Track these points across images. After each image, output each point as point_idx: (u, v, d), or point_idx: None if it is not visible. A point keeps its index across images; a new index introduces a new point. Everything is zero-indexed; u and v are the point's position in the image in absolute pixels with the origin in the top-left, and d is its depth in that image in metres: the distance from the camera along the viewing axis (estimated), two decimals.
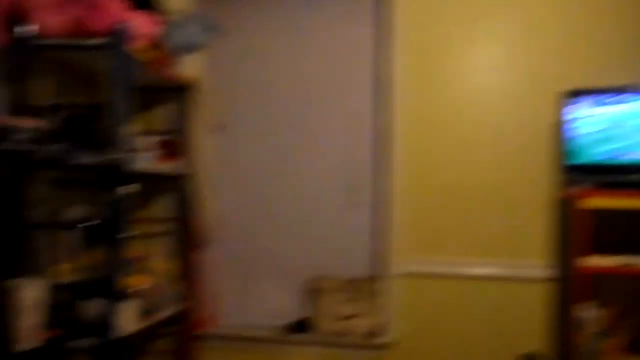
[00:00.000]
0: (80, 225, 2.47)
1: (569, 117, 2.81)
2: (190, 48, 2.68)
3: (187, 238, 3.33)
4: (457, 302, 3.20)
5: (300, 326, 3.35)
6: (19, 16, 2.16)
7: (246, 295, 3.47)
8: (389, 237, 3.23)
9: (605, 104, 2.77)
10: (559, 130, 3.05)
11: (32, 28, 2.19)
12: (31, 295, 1.78)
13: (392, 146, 3.23)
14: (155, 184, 3.37)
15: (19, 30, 2.17)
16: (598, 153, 2.77)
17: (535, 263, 3.12)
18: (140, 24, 2.47)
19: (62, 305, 2.48)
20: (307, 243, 3.41)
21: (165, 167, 3.08)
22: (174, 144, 3.09)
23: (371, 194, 3.36)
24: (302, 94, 3.42)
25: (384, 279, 3.27)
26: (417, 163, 3.22)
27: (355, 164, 3.37)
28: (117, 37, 2.26)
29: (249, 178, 3.48)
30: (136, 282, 2.74)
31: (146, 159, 2.81)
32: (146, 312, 2.73)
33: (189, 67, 3.16)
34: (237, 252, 3.48)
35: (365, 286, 3.31)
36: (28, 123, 2.02)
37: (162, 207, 3.42)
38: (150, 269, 2.99)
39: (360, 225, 3.37)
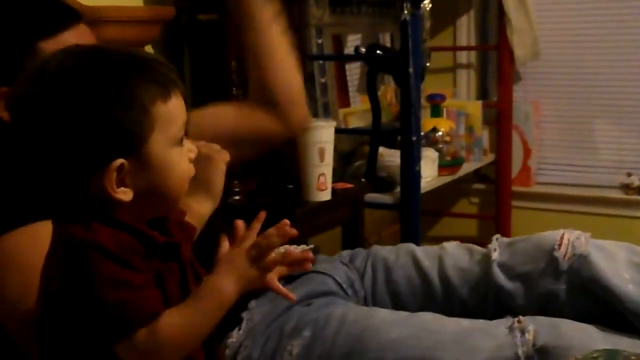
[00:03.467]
0: (365, 56, 2.52)
1: None
2: None
3: (497, 71, 3.25)
4: None
5: None
6: None
7: (574, 142, 3.33)
8: None
9: None
10: None
11: None
12: (320, 139, 1.87)
13: None
14: (454, 3, 3.31)
15: None
16: None
17: None
18: None
19: (351, 154, 2.63)
20: None
21: None
22: None
23: None
24: None
25: None
26: None
27: None
28: None
29: None
30: (435, 126, 2.77)
31: None
32: (447, 165, 2.77)
33: None
34: (561, 87, 3.32)
35: None
36: None
37: (464, 32, 3.36)
38: (451, 110, 3.00)
39: None
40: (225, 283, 0.94)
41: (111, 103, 0.88)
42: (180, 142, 0.95)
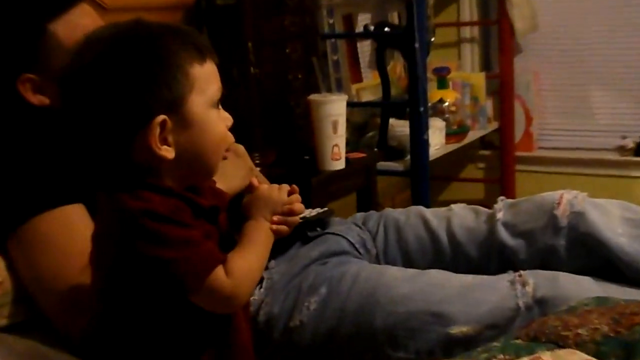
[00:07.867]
0: (374, 34, 2.49)
1: None
2: None
3: (499, 44, 3.19)
4: None
5: None
6: None
7: (573, 109, 3.29)
8: None
9: None
10: None
11: None
12: (333, 112, 1.85)
13: None
14: None
15: None
16: None
17: None
18: None
19: (364, 125, 2.61)
20: None
21: None
22: None
23: None
24: None
25: None
26: None
27: None
28: None
29: None
30: (441, 98, 2.75)
31: None
32: (454, 133, 2.74)
33: None
34: (559, 57, 3.27)
35: None
36: None
37: (466, 8, 3.30)
38: (456, 82, 2.97)
39: None
40: (264, 224, 0.99)
41: (149, 61, 0.88)
42: (217, 105, 0.94)
